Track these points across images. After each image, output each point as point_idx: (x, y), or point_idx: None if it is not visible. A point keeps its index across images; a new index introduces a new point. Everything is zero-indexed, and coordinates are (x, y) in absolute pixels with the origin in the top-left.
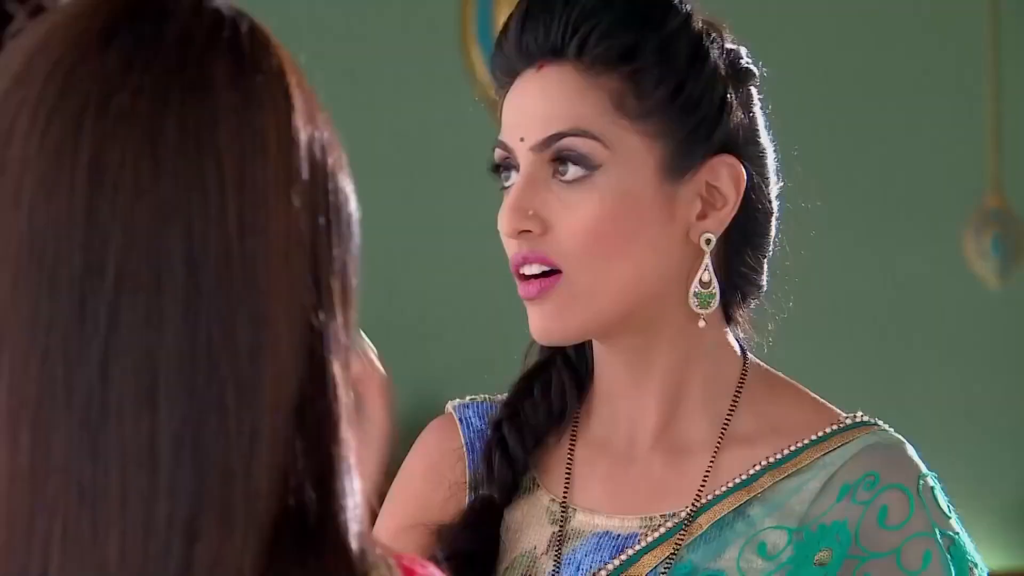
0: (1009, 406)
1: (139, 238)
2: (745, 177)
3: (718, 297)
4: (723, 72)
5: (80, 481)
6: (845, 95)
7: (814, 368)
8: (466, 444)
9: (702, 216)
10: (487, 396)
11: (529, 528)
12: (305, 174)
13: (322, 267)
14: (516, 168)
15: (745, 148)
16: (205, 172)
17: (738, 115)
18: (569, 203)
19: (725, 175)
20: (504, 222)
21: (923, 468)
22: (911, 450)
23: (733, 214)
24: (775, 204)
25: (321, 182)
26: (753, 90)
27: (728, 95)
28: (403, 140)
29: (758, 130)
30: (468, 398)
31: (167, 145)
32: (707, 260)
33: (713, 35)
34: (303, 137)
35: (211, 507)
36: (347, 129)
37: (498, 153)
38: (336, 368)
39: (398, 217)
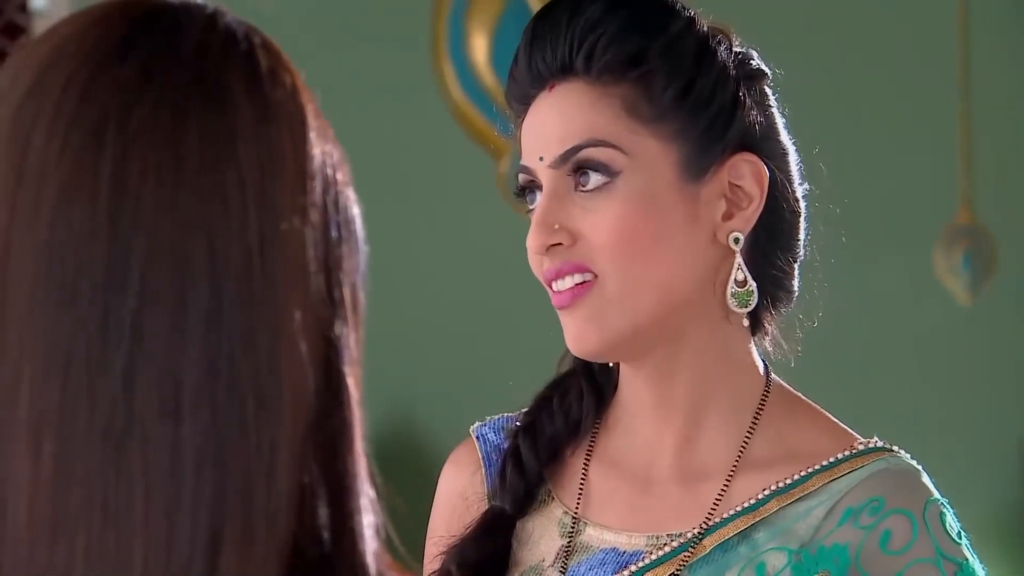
0: (981, 422)
1: (162, 249)
2: (767, 174)
3: (756, 294)
4: (732, 71)
5: (104, 495)
6: (812, 109)
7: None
8: (483, 458)
9: (728, 216)
10: (508, 413)
11: (541, 540)
12: (319, 189)
13: (335, 281)
14: (540, 189)
15: (764, 145)
16: (226, 184)
17: (752, 113)
18: (593, 210)
19: (747, 173)
20: (533, 239)
21: (933, 494)
22: (924, 477)
23: (759, 212)
24: (802, 204)
25: (333, 198)
26: (767, 90)
27: (740, 93)
28: (376, 156)
29: (776, 128)
30: (488, 418)
31: (188, 157)
32: (739, 259)
33: (719, 36)
34: (317, 153)
35: (233, 522)
36: None
37: (522, 178)
38: (351, 382)
39: (371, 231)
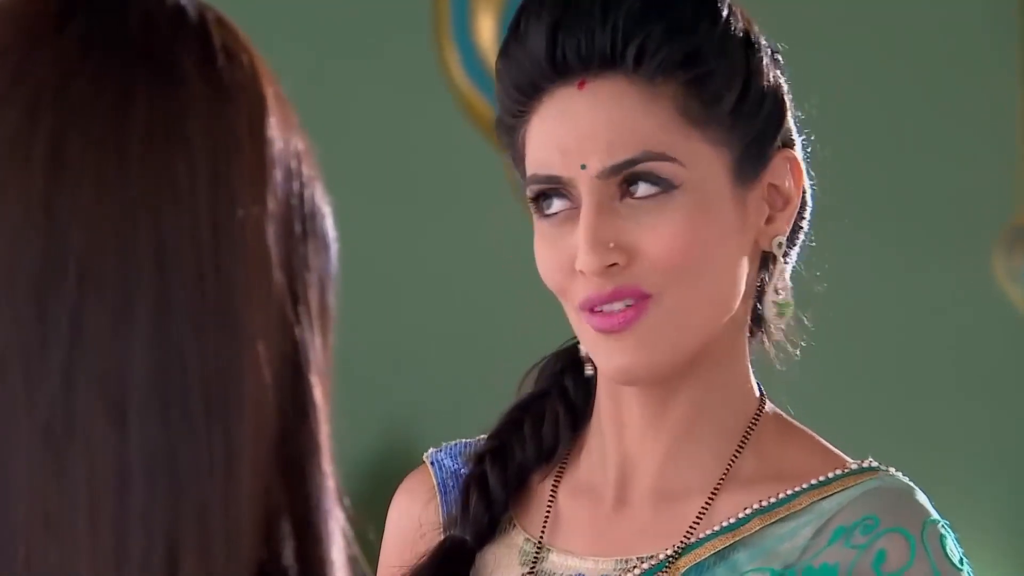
0: None
1: (104, 237)
2: (803, 169)
3: (793, 305)
4: (774, 63)
5: (45, 507)
6: (863, 103)
7: (828, 399)
8: (438, 485)
9: (769, 220)
10: (465, 439)
11: (498, 570)
12: (279, 177)
13: (300, 280)
14: (562, 196)
15: (793, 138)
16: (175, 166)
17: (792, 106)
18: (647, 224)
19: (787, 172)
20: (589, 261)
21: (932, 514)
22: (921, 496)
23: (797, 210)
24: (809, 192)
25: (296, 189)
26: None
27: (783, 87)
28: (374, 147)
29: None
30: (444, 443)
31: (133, 136)
32: (781, 264)
33: (755, 24)
34: (277, 138)
35: (189, 542)
36: (313, 135)
37: (544, 187)
38: (318, 393)
39: (368, 230)
